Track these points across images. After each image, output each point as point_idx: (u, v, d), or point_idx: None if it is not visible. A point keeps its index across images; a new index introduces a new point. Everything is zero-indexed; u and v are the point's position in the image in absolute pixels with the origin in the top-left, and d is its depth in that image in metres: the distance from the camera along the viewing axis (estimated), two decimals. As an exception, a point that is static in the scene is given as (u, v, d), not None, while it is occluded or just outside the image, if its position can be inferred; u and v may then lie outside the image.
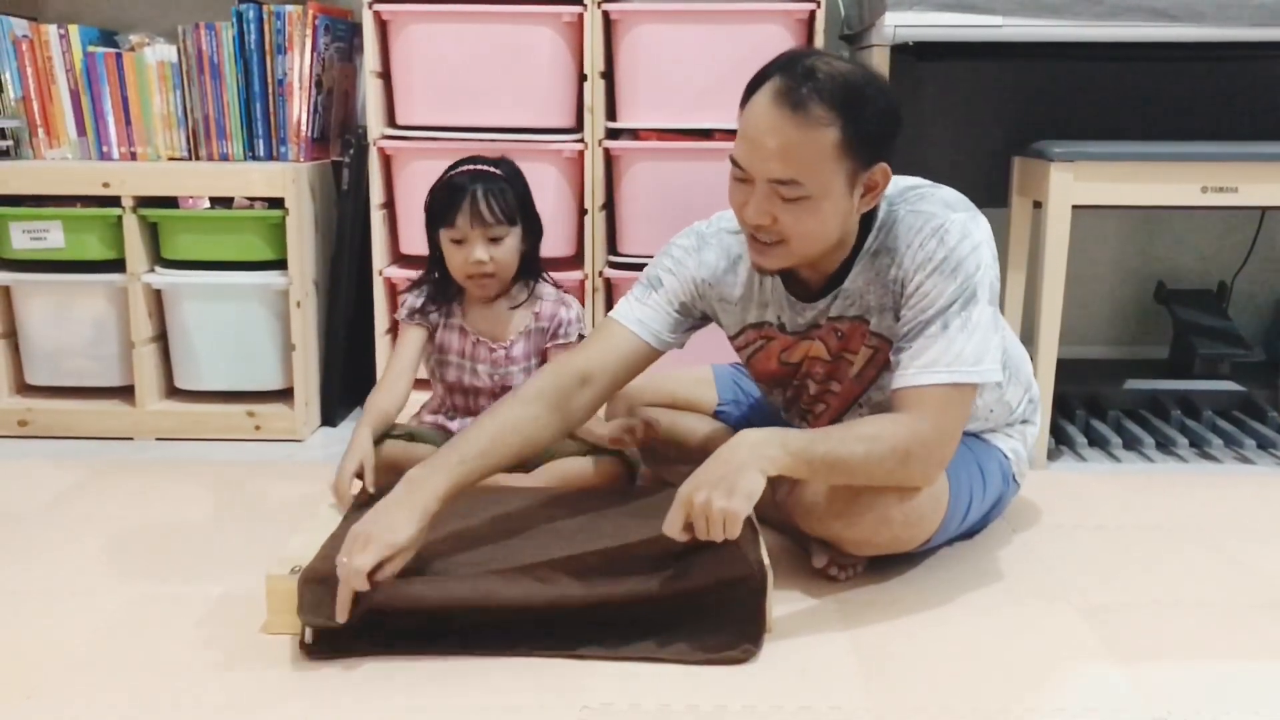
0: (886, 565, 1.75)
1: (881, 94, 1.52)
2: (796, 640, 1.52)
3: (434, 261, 1.98)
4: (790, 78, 1.47)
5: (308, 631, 1.49)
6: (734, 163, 1.54)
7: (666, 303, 1.74)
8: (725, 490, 1.41)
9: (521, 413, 1.62)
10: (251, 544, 1.85)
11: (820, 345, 1.72)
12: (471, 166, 1.92)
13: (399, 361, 1.99)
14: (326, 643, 1.48)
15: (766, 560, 1.55)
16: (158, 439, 2.45)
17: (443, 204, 1.90)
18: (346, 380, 2.60)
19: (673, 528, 1.44)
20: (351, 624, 1.47)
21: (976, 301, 1.56)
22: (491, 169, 1.92)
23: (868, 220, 1.61)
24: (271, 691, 1.39)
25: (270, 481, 2.19)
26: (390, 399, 1.95)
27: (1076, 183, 2.19)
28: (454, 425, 2.01)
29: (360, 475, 1.80)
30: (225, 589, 1.68)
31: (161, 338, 2.51)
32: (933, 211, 1.58)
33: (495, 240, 1.90)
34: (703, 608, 1.51)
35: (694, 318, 1.78)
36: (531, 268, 2.00)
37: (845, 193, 1.52)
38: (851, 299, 1.65)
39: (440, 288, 1.98)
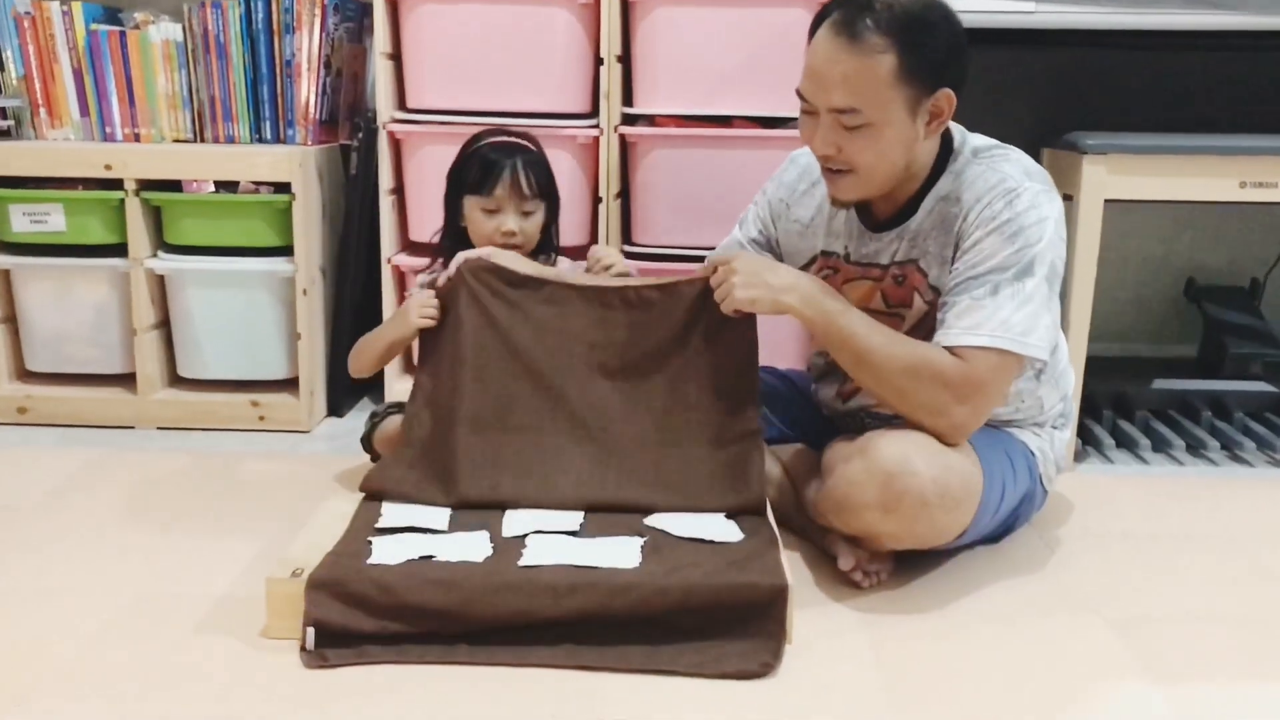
0: (911, 571, 1.69)
1: (943, 20, 1.55)
2: (817, 654, 1.46)
3: (451, 233, 1.97)
4: (848, 10, 1.53)
5: (309, 637, 1.43)
6: (800, 96, 1.59)
7: (747, 233, 1.88)
8: (751, 291, 1.60)
9: None
10: (255, 541, 1.80)
11: (878, 294, 1.71)
12: (506, 139, 1.95)
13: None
14: (330, 648, 1.43)
15: (788, 570, 1.49)
16: (159, 428, 2.40)
17: (479, 172, 1.91)
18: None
19: (712, 258, 1.75)
20: (359, 630, 1.43)
21: (1032, 274, 1.55)
22: (525, 142, 1.97)
23: (943, 161, 1.64)
24: (268, 703, 1.33)
25: (275, 475, 2.13)
26: None
27: (1110, 176, 2.12)
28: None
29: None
30: (226, 589, 1.63)
31: (164, 325, 2.45)
32: (1009, 173, 1.59)
33: (527, 214, 1.92)
34: (720, 618, 1.45)
35: (769, 250, 1.86)
36: (548, 242, 2.01)
37: (907, 120, 1.55)
38: (915, 240, 1.66)
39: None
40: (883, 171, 1.59)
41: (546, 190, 1.95)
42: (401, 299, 2.32)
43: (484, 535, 1.58)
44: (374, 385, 2.46)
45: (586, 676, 1.39)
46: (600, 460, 1.74)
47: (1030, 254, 1.55)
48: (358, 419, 2.47)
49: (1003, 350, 1.54)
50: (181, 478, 2.09)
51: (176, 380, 2.48)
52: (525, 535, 1.59)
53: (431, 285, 1.91)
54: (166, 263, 2.37)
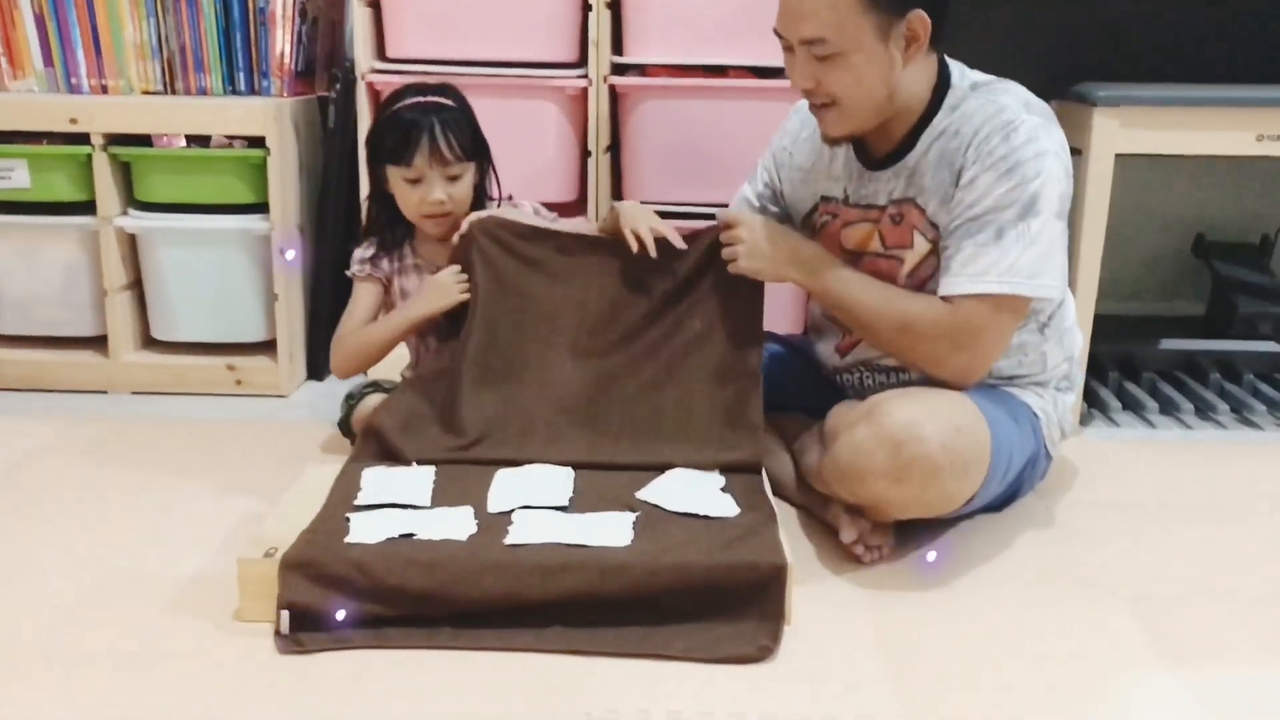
0: (912, 543, 1.63)
1: None
2: (818, 636, 1.39)
3: (378, 201, 1.88)
4: None
5: (284, 620, 1.36)
6: (777, 34, 1.59)
7: (754, 188, 1.85)
8: (751, 256, 1.66)
9: None
10: (228, 515, 1.72)
11: (876, 235, 1.67)
12: (421, 98, 1.82)
13: (353, 319, 1.91)
14: (306, 632, 1.36)
15: (787, 548, 1.42)
16: (133, 393, 2.31)
17: (395, 140, 1.79)
18: (333, 331, 2.44)
19: (723, 215, 1.72)
20: (334, 611, 1.36)
21: (1038, 213, 1.51)
22: (443, 100, 1.83)
23: (940, 96, 1.61)
24: (239, 691, 1.26)
25: (251, 442, 2.05)
26: None
27: (1121, 130, 2.03)
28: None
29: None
30: (197, 568, 1.55)
31: (136, 285, 2.36)
32: (1007, 105, 1.56)
33: (453, 178, 1.81)
34: (716, 599, 1.38)
35: (777, 203, 1.84)
36: (483, 197, 1.91)
37: (880, 46, 1.52)
38: (913, 177, 1.62)
39: (388, 230, 1.85)
40: (864, 102, 1.56)
41: (473, 149, 1.83)
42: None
43: (468, 511, 1.51)
44: (356, 347, 2.37)
45: (576, 661, 1.32)
46: (604, 409, 1.75)
47: (1029, 191, 1.50)
48: (338, 383, 2.38)
49: (1010, 295, 1.52)
50: (154, 447, 2.01)
51: (150, 343, 2.39)
52: (511, 511, 1.51)
53: (361, 263, 1.85)
54: (137, 221, 2.28)
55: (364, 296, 1.91)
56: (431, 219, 1.82)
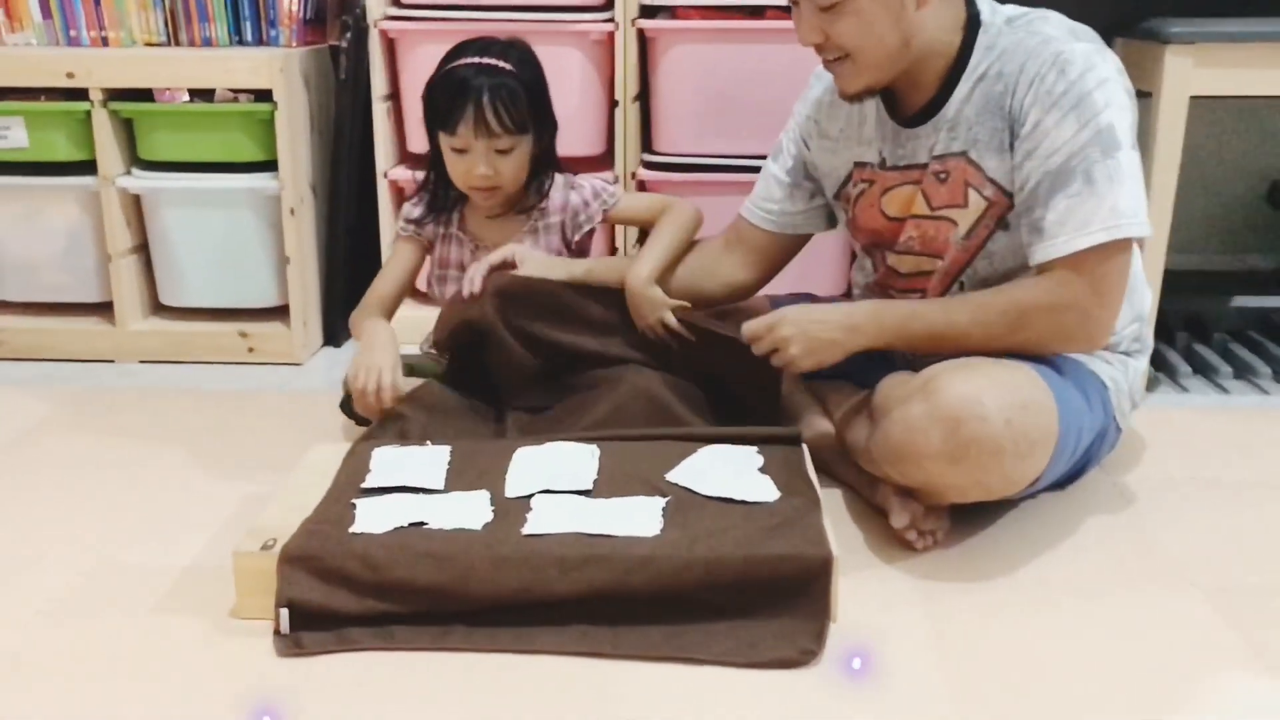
0: (967, 527, 1.49)
1: None
2: (867, 635, 1.27)
3: (434, 162, 1.70)
4: None
5: (283, 619, 1.25)
6: None
7: (782, 164, 1.70)
8: (806, 349, 1.48)
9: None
10: (231, 496, 1.61)
11: (920, 197, 1.53)
12: (477, 59, 1.61)
13: (388, 280, 1.76)
14: (307, 631, 1.25)
15: (832, 537, 1.29)
16: (141, 361, 2.21)
17: (443, 105, 1.61)
18: (349, 296, 2.32)
19: (752, 329, 1.52)
20: (341, 611, 1.25)
21: (1119, 145, 1.39)
22: (500, 62, 1.61)
23: (973, 37, 1.47)
24: (233, 696, 1.15)
25: (261, 414, 1.94)
26: (383, 317, 1.74)
27: (1196, 69, 1.85)
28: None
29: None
30: (194, 557, 1.45)
31: (142, 249, 2.25)
32: (1052, 35, 1.43)
33: (503, 152, 1.62)
34: (754, 595, 1.25)
35: (807, 179, 1.70)
36: (544, 168, 1.71)
37: None
38: (956, 129, 1.49)
39: (439, 192, 1.70)
40: (877, 51, 1.44)
41: (527, 121, 1.63)
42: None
43: (484, 496, 1.39)
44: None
45: (599, 666, 1.21)
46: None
47: (1103, 123, 1.38)
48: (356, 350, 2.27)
49: (1122, 240, 1.39)
50: (157, 420, 1.91)
51: (159, 309, 2.28)
52: (530, 496, 1.39)
53: (406, 222, 1.70)
54: (140, 181, 2.16)
55: (400, 256, 1.76)
56: (478, 191, 1.66)
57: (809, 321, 1.48)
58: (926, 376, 1.37)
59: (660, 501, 1.37)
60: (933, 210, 1.53)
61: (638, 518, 1.33)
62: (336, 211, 2.28)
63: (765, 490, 1.40)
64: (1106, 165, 1.38)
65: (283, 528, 1.32)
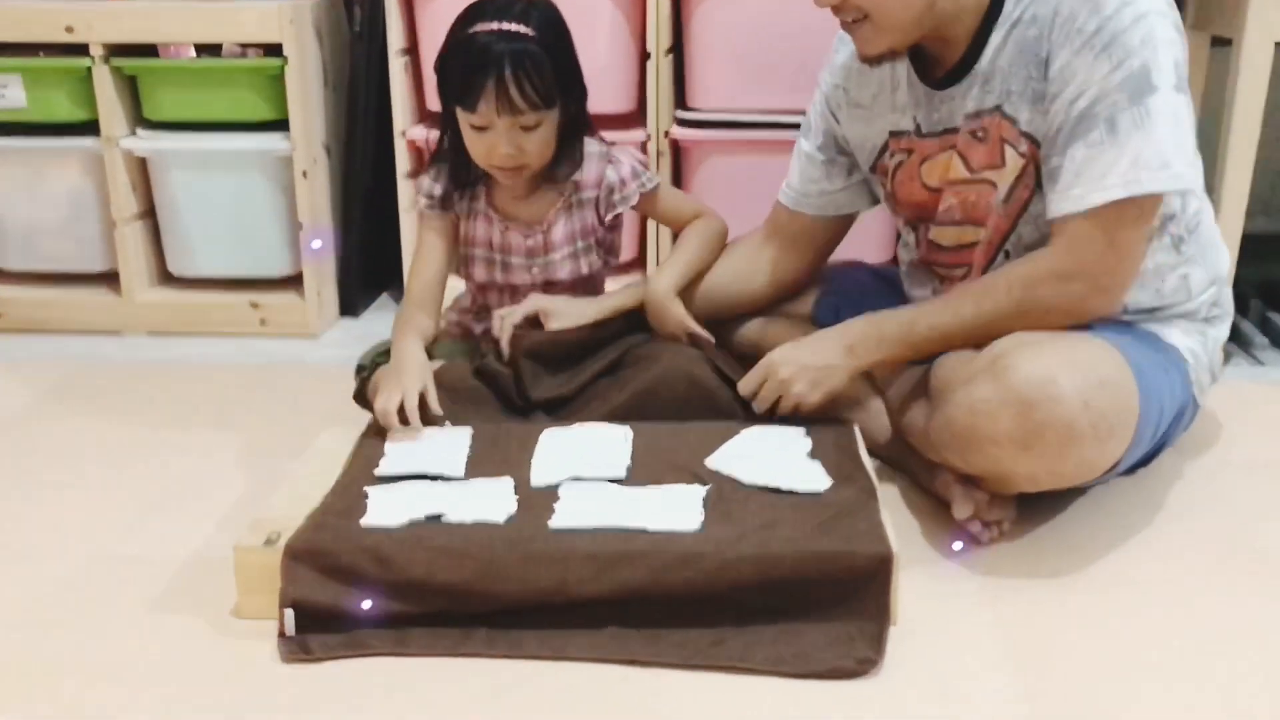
0: (1033, 517, 1.37)
1: None
2: (930, 640, 1.14)
3: (450, 135, 1.53)
4: None
5: (288, 620, 1.14)
6: None
7: (813, 142, 1.58)
8: (810, 382, 1.40)
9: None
10: (239, 481, 1.51)
11: (959, 161, 1.40)
12: (496, 24, 1.41)
13: (425, 267, 1.57)
14: (314, 634, 1.14)
15: (892, 534, 1.16)
16: (149, 334, 2.11)
17: (459, 78, 1.43)
18: (368, 263, 2.21)
19: (747, 386, 1.45)
20: (347, 609, 1.14)
21: (1154, 89, 1.24)
22: (522, 27, 1.41)
23: None
24: (232, 707, 1.05)
25: (273, 391, 1.83)
26: (428, 318, 1.56)
27: (1284, 12, 1.70)
28: (481, 329, 1.62)
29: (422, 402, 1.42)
30: (196, 549, 1.34)
31: (149, 215, 2.14)
32: None
33: (528, 129, 1.45)
34: (806, 597, 1.13)
35: (841, 153, 1.57)
36: (573, 137, 1.54)
37: None
38: (990, 83, 1.36)
39: (461, 166, 1.55)
40: (899, 9, 1.32)
41: (554, 93, 1.44)
42: (419, 174, 1.95)
43: (507, 484, 1.27)
44: (395, 279, 2.14)
45: (635, 675, 1.09)
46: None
47: (1136, 64, 1.24)
48: (375, 321, 2.17)
49: (1140, 196, 1.25)
50: (163, 398, 1.80)
51: (167, 279, 2.18)
52: (558, 484, 1.27)
53: (432, 201, 1.56)
54: (146, 142, 2.05)
55: (432, 243, 1.58)
56: (501, 171, 1.50)
57: (802, 356, 1.41)
58: (994, 353, 1.24)
59: (700, 491, 1.25)
60: (971, 173, 1.40)
61: (676, 509, 1.21)
62: (352, 173, 2.16)
63: (815, 478, 1.28)
64: (1134, 112, 1.24)
65: (288, 520, 1.20)
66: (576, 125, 1.53)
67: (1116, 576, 1.26)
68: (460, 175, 1.54)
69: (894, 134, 1.49)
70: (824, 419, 1.43)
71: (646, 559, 1.14)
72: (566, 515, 1.20)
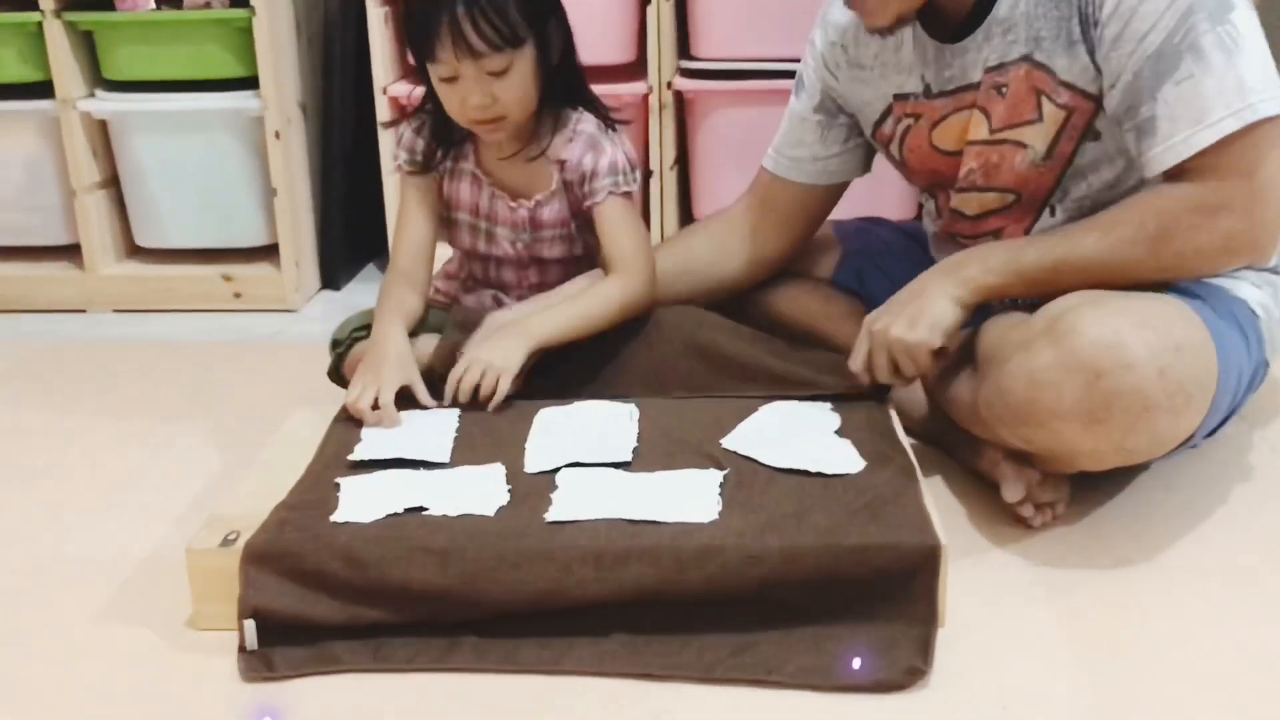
0: (1093, 499, 1.22)
1: None
2: (983, 646, 1.00)
3: (429, 94, 1.37)
4: None
5: (249, 632, 1.00)
6: None
7: (808, 101, 1.41)
8: (908, 319, 1.19)
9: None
10: (205, 471, 1.37)
11: (980, 117, 1.25)
12: None
13: (410, 234, 1.41)
14: (279, 648, 1.00)
15: (938, 523, 1.02)
16: (116, 311, 1.97)
17: (417, 26, 1.28)
18: (349, 230, 2.06)
19: (856, 361, 1.25)
20: (320, 622, 1.00)
21: (1231, 5, 1.10)
22: None
23: None
24: (183, 745, 0.91)
25: (248, 370, 1.70)
26: (414, 294, 1.39)
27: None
28: (470, 300, 1.47)
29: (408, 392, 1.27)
30: (153, 547, 1.20)
31: (113, 183, 2.01)
32: None
33: (497, 74, 1.28)
34: (841, 596, 0.99)
35: (840, 112, 1.40)
36: (563, 87, 1.37)
37: None
38: (1013, 30, 1.20)
39: (442, 122, 1.38)
40: None
41: (520, 29, 1.27)
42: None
43: (498, 472, 1.13)
44: (380, 247, 2.00)
45: (647, 689, 0.95)
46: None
47: None
48: (359, 293, 2.02)
49: (1260, 122, 1.09)
50: (127, 379, 1.67)
51: (134, 251, 2.04)
52: (556, 470, 1.12)
53: (413, 156, 1.40)
54: (105, 104, 1.92)
55: (415, 206, 1.41)
56: (480, 125, 1.33)
57: (897, 303, 1.22)
58: (1052, 314, 1.09)
59: (717, 476, 1.11)
60: (993, 133, 1.24)
61: (690, 498, 1.07)
62: (330, 134, 2.02)
63: (847, 458, 1.13)
64: (1218, 33, 1.08)
65: (249, 516, 1.06)
66: (565, 75, 1.36)
67: (1190, 563, 1.12)
68: (442, 131, 1.39)
69: (898, 97, 1.33)
70: (855, 394, 1.28)
71: (657, 555, 0.99)
72: (565, 506, 1.05)
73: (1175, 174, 1.13)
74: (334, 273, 2.05)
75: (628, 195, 1.38)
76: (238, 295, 1.95)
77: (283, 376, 1.65)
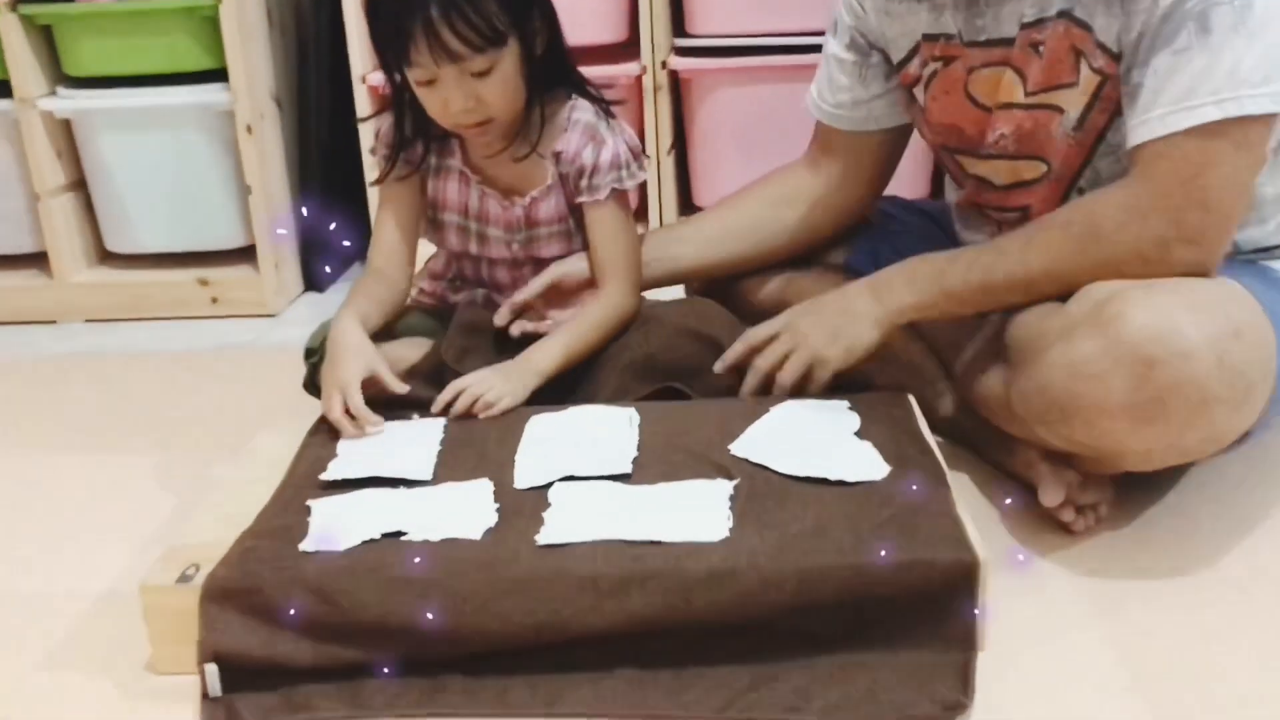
0: (1139, 500, 1.12)
1: None
2: (1029, 672, 0.90)
3: (397, 99, 1.26)
4: None
5: (211, 678, 0.90)
6: None
7: (843, 40, 1.29)
8: (830, 332, 1.16)
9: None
10: (172, 494, 1.27)
11: (1013, 78, 1.13)
12: None
13: (387, 233, 1.31)
14: (245, 694, 0.90)
15: (974, 535, 0.91)
16: (88, 321, 1.87)
17: (388, 29, 1.17)
18: (332, 229, 1.96)
19: (754, 337, 1.20)
20: (290, 664, 0.91)
21: None
22: None
23: None
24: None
25: (223, 382, 1.60)
26: (386, 289, 1.29)
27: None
28: (460, 299, 1.36)
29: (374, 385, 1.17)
30: (112, 581, 1.10)
31: (80, 185, 1.91)
32: None
33: (480, 74, 1.17)
34: (868, 622, 0.89)
35: (871, 49, 1.29)
36: (551, 74, 1.25)
37: None
38: None
39: (423, 119, 1.27)
40: None
41: (502, 26, 1.16)
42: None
43: (485, 488, 1.02)
44: (366, 246, 1.88)
45: (657, 734, 0.85)
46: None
47: None
48: (344, 296, 1.91)
49: (1237, 119, 0.99)
50: (95, 396, 1.58)
51: (105, 257, 1.94)
52: (548, 486, 1.02)
53: (390, 151, 1.29)
54: (68, 102, 1.83)
55: (391, 211, 1.31)
56: (466, 129, 1.23)
57: (821, 308, 1.19)
58: (1096, 298, 0.98)
59: (726, 487, 1.00)
60: (1028, 96, 1.13)
61: (697, 513, 0.96)
62: (307, 127, 1.91)
63: (869, 463, 1.03)
64: (1234, 8, 0.97)
65: (211, 546, 0.96)
66: (551, 62, 1.25)
67: (1251, 571, 1.01)
68: (422, 125, 1.27)
69: (927, 37, 1.22)
70: (873, 390, 1.18)
71: (662, 580, 0.89)
72: (558, 527, 0.95)
73: (1135, 155, 1.02)
74: (317, 274, 1.95)
75: (628, 192, 1.28)
76: (215, 301, 1.85)
77: (258, 388, 1.55)
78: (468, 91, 1.18)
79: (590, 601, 0.90)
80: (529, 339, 1.27)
